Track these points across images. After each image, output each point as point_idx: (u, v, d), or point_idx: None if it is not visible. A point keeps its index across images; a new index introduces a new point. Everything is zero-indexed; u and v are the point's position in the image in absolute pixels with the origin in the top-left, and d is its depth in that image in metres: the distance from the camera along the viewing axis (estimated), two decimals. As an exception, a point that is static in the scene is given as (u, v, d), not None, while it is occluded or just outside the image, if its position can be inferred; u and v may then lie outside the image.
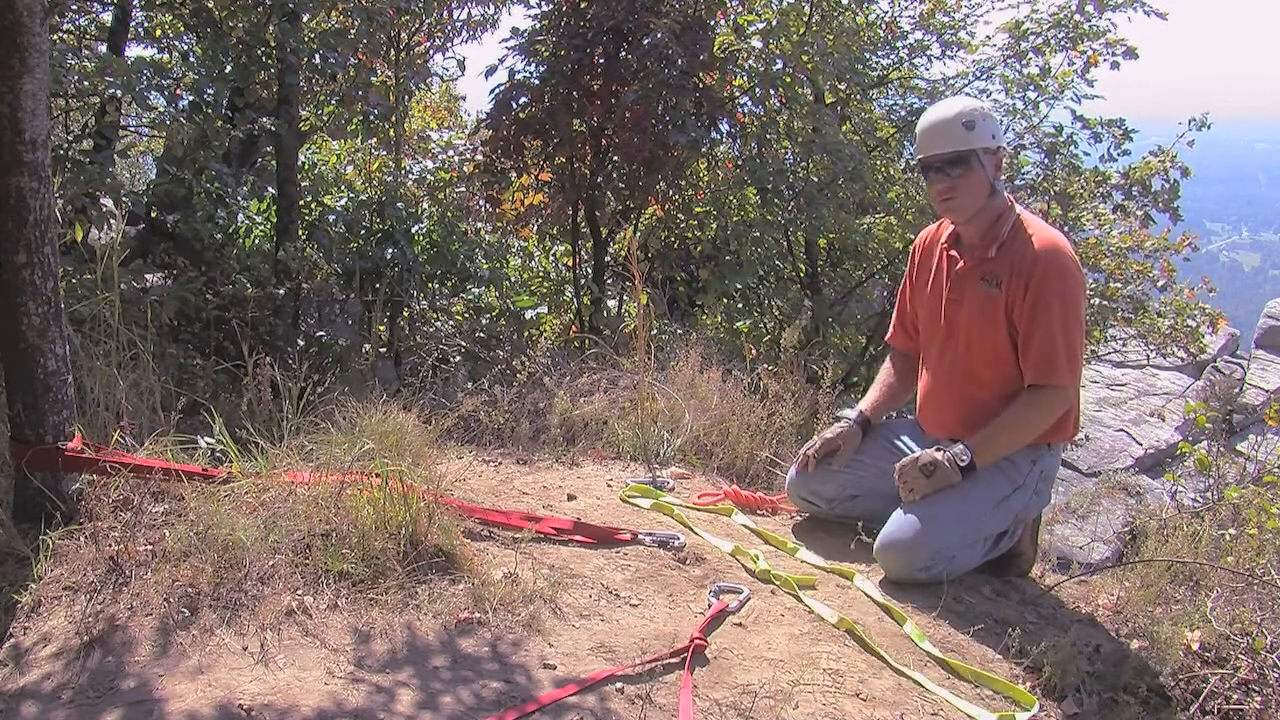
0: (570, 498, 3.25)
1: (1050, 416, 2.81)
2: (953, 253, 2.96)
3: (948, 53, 7.20)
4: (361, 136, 6.36)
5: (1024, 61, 6.73)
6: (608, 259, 7.01)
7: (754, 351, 4.68)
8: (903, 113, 7.33)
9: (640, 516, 3.13)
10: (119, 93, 4.24)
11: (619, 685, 2.14)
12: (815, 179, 6.67)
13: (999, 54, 6.91)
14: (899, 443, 3.13)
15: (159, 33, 5.66)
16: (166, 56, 5.61)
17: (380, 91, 6.00)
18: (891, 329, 3.29)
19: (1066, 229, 6.74)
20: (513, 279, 7.06)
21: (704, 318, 7.27)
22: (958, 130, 2.78)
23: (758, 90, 6.61)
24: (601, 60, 6.26)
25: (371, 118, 5.93)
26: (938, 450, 2.82)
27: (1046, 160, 6.68)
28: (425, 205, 6.60)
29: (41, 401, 2.49)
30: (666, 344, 5.29)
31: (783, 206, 6.69)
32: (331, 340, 5.27)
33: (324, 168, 6.91)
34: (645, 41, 5.91)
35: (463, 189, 7.11)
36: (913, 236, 6.40)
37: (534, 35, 6.35)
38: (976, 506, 2.80)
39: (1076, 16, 6.54)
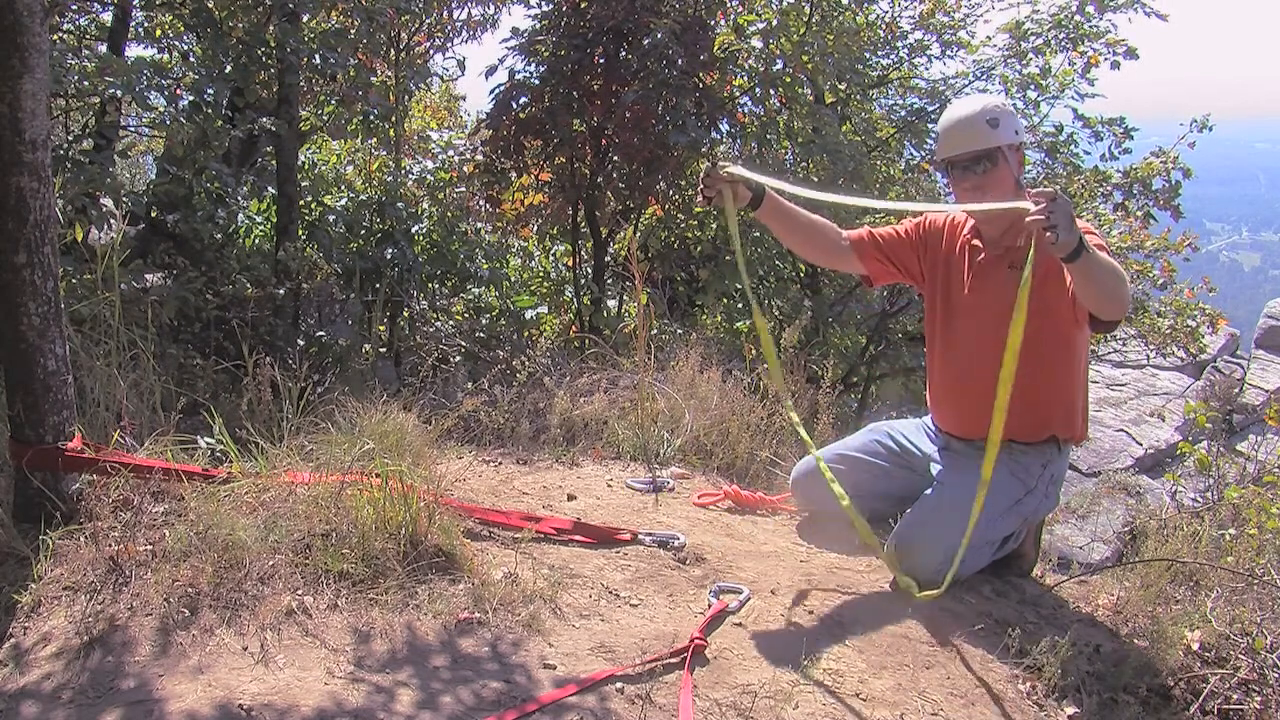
0: (570, 498, 3.25)
1: (1125, 286, 2.54)
2: (975, 242, 2.90)
3: (948, 53, 7.22)
4: (361, 136, 6.36)
5: (1024, 61, 6.74)
6: (608, 259, 7.00)
7: (754, 351, 4.67)
8: (903, 113, 7.33)
9: (640, 516, 3.13)
10: (119, 93, 4.23)
11: (619, 685, 2.14)
12: (815, 179, 6.67)
13: (999, 54, 6.92)
14: (901, 444, 3.14)
15: (159, 33, 5.64)
16: (166, 56, 5.60)
17: (380, 91, 6.00)
18: (863, 231, 3.06)
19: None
20: (513, 279, 7.06)
21: (704, 318, 7.27)
22: (982, 128, 2.75)
23: (758, 90, 6.61)
24: (601, 60, 6.26)
25: (371, 118, 5.93)
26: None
27: (1047, 159, 6.68)
28: (425, 205, 6.59)
29: (41, 401, 2.49)
30: (666, 344, 5.28)
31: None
32: (331, 340, 5.26)
33: (324, 168, 6.90)
34: (645, 41, 5.91)
35: (463, 189, 7.10)
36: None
37: (534, 35, 6.35)
38: (989, 509, 2.78)
39: (1077, 17, 6.55)
